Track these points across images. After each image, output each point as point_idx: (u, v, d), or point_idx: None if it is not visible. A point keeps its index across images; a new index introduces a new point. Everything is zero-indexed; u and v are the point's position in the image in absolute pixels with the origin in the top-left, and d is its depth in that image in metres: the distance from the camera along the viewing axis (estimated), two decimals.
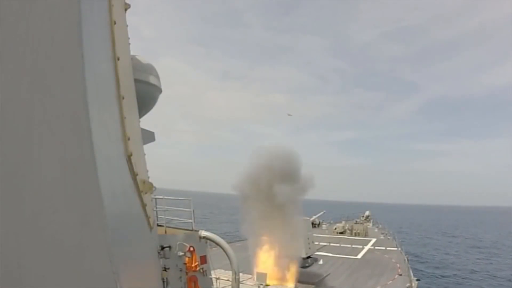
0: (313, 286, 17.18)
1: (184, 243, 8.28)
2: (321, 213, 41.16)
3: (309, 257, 20.69)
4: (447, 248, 54.35)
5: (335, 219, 50.13)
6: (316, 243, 25.33)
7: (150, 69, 5.98)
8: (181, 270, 8.12)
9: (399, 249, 26.74)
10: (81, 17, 1.34)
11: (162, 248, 7.06)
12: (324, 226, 41.31)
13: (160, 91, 6.32)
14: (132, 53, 4.78)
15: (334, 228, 37.95)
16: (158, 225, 8.14)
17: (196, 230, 9.26)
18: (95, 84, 1.51)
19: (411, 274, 19.02)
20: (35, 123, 1.26)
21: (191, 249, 8.41)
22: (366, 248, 28.26)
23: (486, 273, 37.11)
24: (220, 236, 9.71)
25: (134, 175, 2.82)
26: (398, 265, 21.33)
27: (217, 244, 9.44)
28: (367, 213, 49.19)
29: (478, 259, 46.07)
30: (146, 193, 3.62)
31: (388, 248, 27.40)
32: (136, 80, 4.85)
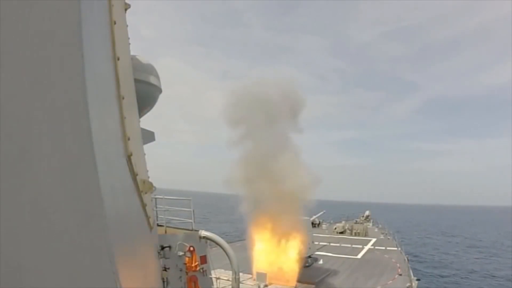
0: (313, 286, 17.18)
1: (184, 243, 8.28)
2: (321, 213, 41.15)
3: (309, 256, 20.69)
4: (447, 248, 54.36)
5: (335, 219, 50.13)
6: (316, 243, 25.33)
7: (150, 69, 5.98)
8: (181, 270, 8.13)
9: (399, 249, 26.76)
10: (81, 17, 1.34)
11: (162, 248, 7.07)
12: (324, 226, 41.32)
13: (160, 91, 6.32)
14: (132, 53, 4.78)
15: (334, 228, 37.96)
16: (158, 225, 8.15)
17: (196, 230, 9.27)
18: (95, 84, 1.52)
19: (411, 274, 19.03)
20: (35, 123, 1.26)
21: (191, 249, 8.42)
22: (366, 248, 28.27)
23: (486, 272, 37.12)
24: (220, 236, 9.72)
25: (134, 175, 2.82)
26: (398, 265, 21.34)
27: (217, 244, 9.45)
28: (367, 213, 49.20)
29: (478, 258, 46.10)
30: (146, 193, 3.63)
31: (388, 248, 27.41)
32: (136, 80, 4.85)
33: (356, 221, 43.45)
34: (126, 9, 4.27)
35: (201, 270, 8.70)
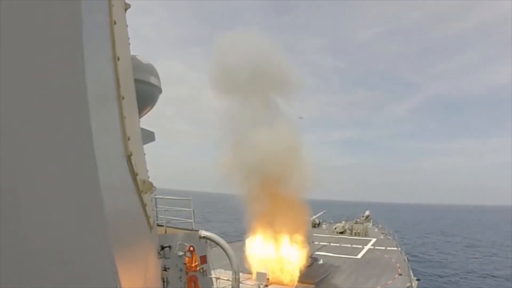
0: (313, 285, 17.18)
1: (184, 243, 8.28)
2: (321, 213, 41.16)
3: (309, 256, 20.70)
4: (446, 248, 54.37)
5: (335, 219, 50.13)
6: (316, 243, 25.33)
7: (150, 69, 5.98)
8: (181, 270, 8.13)
9: (399, 249, 26.75)
10: (81, 17, 1.34)
11: (162, 248, 7.08)
12: (324, 226, 41.31)
13: (160, 91, 6.32)
14: (132, 53, 4.78)
15: (334, 228, 37.95)
16: (158, 225, 8.15)
17: (196, 230, 9.27)
18: (95, 84, 1.52)
19: (411, 274, 19.03)
20: (34, 123, 1.26)
21: (191, 249, 8.42)
22: (366, 248, 28.26)
23: (486, 272, 37.13)
24: (219, 236, 9.72)
25: (134, 175, 2.82)
26: (398, 265, 21.34)
27: (217, 244, 9.45)
28: (367, 213, 49.18)
29: (477, 258, 46.10)
30: (146, 193, 3.63)
31: (388, 248, 27.41)
32: (136, 80, 4.85)
33: (356, 221, 43.43)
34: (126, 9, 4.27)
35: (201, 270, 8.70)
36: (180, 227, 9.75)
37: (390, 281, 17.87)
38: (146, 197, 3.75)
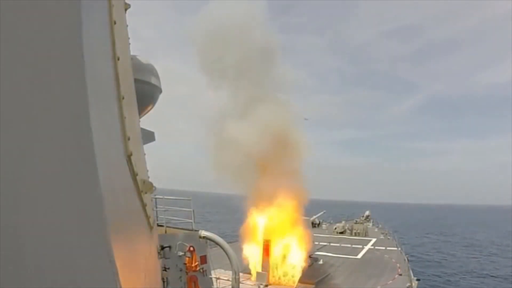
0: (313, 286, 17.18)
1: (184, 243, 8.28)
2: (321, 213, 41.18)
3: (309, 256, 20.70)
4: (446, 248, 54.37)
5: (335, 219, 50.13)
6: (316, 243, 25.31)
7: (150, 69, 5.99)
8: (181, 270, 8.13)
9: (399, 249, 26.75)
10: (81, 17, 1.34)
11: (162, 248, 7.07)
12: (324, 226, 41.33)
13: (160, 91, 6.32)
14: (132, 53, 4.78)
15: (334, 228, 37.96)
16: (158, 225, 8.15)
17: (196, 230, 9.27)
18: (95, 84, 1.51)
19: (411, 274, 19.03)
20: (34, 123, 1.26)
21: (191, 249, 8.43)
22: (366, 248, 28.26)
23: (485, 272, 37.13)
24: (219, 236, 9.72)
25: (134, 175, 2.82)
26: (398, 265, 21.34)
27: (217, 244, 9.45)
28: (367, 213, 49.21)
29: (477, 258, 46.10)
30: (146, 193, 3.62)
31: (388, 248, 27.41)
32: (136, 80, 4.85)
33: (356, 221, 43.44)
34: (126, 9, 4.27)
35: (201, 270, 8.70)
36: (180, 227, 9.75)
37: (390, 281, 17.87)
38: (146, 197, 3.75)
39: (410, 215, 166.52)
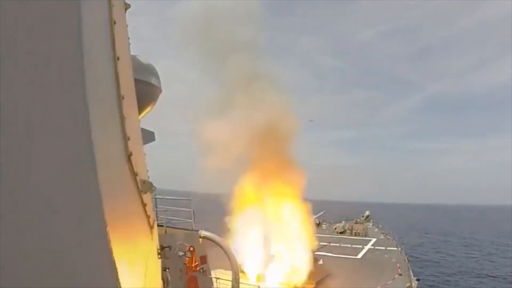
0: (313, 286, 17.17)
1: (184, 243, 8.28)
2: (321, 213, 41.16)
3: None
4: (446, 247, 54.36)
5: (335, 219, 50.12)
6: (316, 243, 25.30)
7: (150, 69, 5.99)
8: (181, 270, 8.13)
9: (399, 249, 26.75)
10: (81, 17, 1.34)
11: (162, 248, 7.06)
12: (324, 226, 41.30)
13: (160, 91, 6.33)
14: (132, 53, 4.78)
15: (334, 228, 37.96)
16: (158, 225, 8.15)
17: (196, 230, 9.27)
18: (95, 84, 1.51)
19: (411, 274, 19.04)
20: (34, 123, 1.26)
21: (191, 249, 8.43)
22: (366, 248, 28.27)
23: (485, 272, 37.13)
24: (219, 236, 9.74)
25: (134, 175, 2.81)
26: (398, 265, 21.33)
27: (217, 244, 9.46)
28: (367, 213, 49.21)
29: (477, 258, 46.10)
30: (146, 193, 3.62)
31: (388, 248, 27.41)
32: (136, 80, 4.85)
33: (356, 221, 43.45)
34: (126, 9, 4.26)
35: (201, 270, 8.71)
36: (180, 227, 9.76)
37: (390, 281, 17.87)
38: (146, 197, 3.75)
39: (411, 215, 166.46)
